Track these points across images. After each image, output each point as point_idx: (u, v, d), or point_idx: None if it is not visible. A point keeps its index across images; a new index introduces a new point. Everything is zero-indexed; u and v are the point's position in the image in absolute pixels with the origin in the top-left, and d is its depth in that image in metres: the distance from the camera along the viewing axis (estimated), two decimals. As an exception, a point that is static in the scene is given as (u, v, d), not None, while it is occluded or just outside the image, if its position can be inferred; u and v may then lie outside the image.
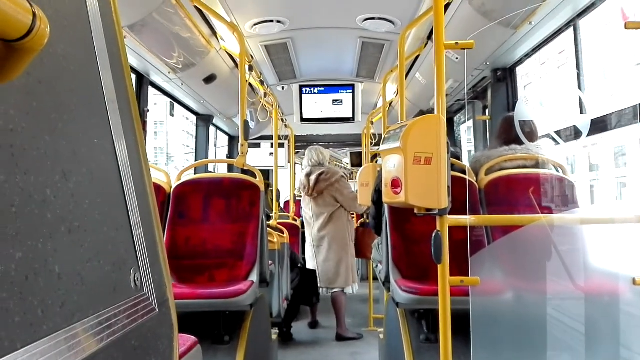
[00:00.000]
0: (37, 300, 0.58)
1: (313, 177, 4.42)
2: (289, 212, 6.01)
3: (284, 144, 6.05)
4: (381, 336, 3.17)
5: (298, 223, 5.50)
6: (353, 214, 4.91)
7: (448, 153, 1.54)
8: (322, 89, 5.18)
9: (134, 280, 0.85)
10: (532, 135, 2.53)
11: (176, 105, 4.50)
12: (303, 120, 5.25)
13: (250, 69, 3.59)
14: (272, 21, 3.60)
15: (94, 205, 0.75)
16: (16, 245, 0.55)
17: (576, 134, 1.98)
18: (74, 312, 0.65)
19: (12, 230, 0.55)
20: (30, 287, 0.57)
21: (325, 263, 4.47)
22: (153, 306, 0.90)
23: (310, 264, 4.65)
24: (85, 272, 0.70)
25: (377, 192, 2.77)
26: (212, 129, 5.26)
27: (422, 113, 2.91)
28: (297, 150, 7.00)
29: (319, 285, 4.52)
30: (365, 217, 5.02)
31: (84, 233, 0.71)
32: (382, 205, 2.77)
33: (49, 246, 0.62)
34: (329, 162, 4.85)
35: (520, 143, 2.68)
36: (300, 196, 4.89)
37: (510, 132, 2.77)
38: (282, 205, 6.61)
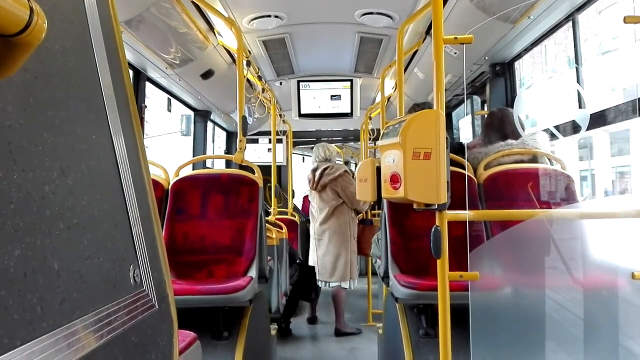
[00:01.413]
0: (36, 297, 0.58)
1: (318, 172, 4.51)
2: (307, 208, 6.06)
3: (282, 139, 6.05)
4: (380, 331, 3.17)
5: (297, 219, 5.50)
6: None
7: (447, 148, 1.54)
8: (320, 84, 5.17)
9: (134, 277, 0.85)
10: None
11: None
12: (301, 115, 5.25)
13: (248, 64, 3.58)
14: (269, 16, 3.59)
15: (92, 201, 0.75)
16: (15, 242, 0.55)
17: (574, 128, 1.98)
18: (74, 309, 0.65)
19: (10, 227, 0.55)
20: (29, 284, 0.57)
21: (324, 257, 4.51)
22: (153, 302, 0.90)
23: (311, 258, 4.68)
24: (85, 269, 0.70)
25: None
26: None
27: (417, 106, 2.91)
28: (308, 146, 6.99)
29: (317, 278, 4.55)
30: (364, 214, 5.04)
31: (82, 230, 0.70)
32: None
33: (48, 243, 0.61)
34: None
35: (515, 137, 2.68)
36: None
37: (500, 126, 2.78)
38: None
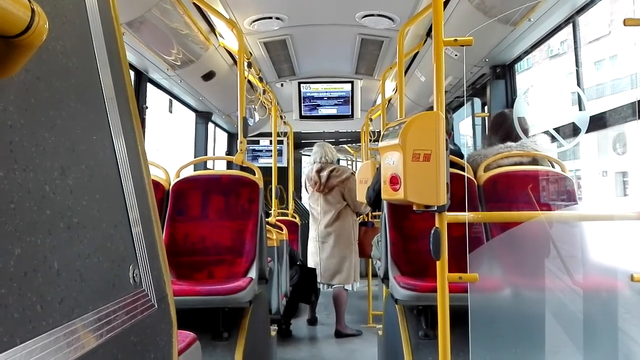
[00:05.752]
0: (36, 296, 0.58)
1: (324, 174, 4.46)
2: None
3: (282, 140, 6.06)
4: (380, 333, 3.17)
5: (297, 220, 5.50)
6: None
7: (447, 150, 1.54)
8: (321, 85, 5.18)
9: (133, 277, 0.85)
10: (525, 131, 2.54)
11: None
12: (302, 117, 5.25)
13: (249, 65, 3.59)
14: (271, 18, 3.59)
15: (92, 201, 0.75)
16: (15, 242, 0.55)
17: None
18: (73, 308, 0.65)
19: (11, 227, 0.55)
20: (29, 283, 0.57)
21: (328, 260, 4.50)
22: (152, 302, 0.91)
23: (312, 260, 4.66)
24: (84, 269, 0.70)
25: (376, 193, 2.77)
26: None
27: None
28: (309, 149, 6.99)
29: (318, 280, 4.54)
30: (365, 216, 5.04)
31: (82, 229, 0.71)
32: (378, 205, 2.77)
33: (48, 242, 0.62)
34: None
35: (515, 140, 2.68)
36: None
37: (502, 129, 2.78)
38: None
